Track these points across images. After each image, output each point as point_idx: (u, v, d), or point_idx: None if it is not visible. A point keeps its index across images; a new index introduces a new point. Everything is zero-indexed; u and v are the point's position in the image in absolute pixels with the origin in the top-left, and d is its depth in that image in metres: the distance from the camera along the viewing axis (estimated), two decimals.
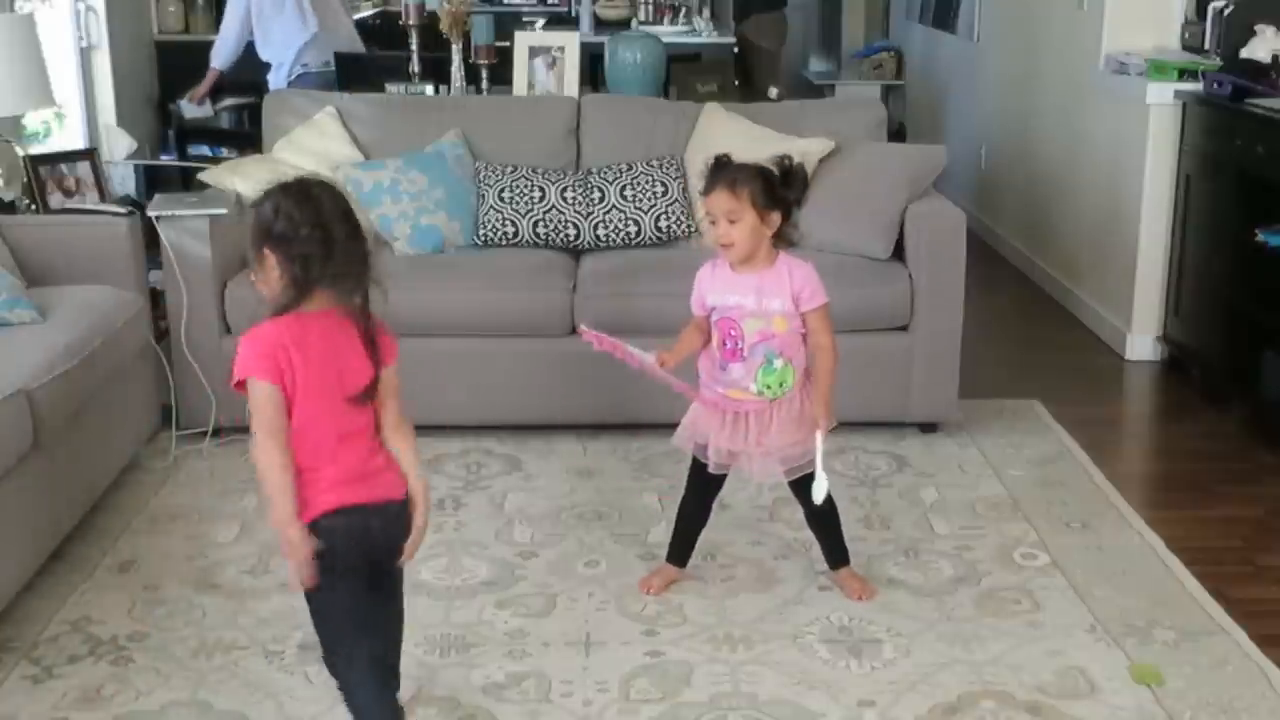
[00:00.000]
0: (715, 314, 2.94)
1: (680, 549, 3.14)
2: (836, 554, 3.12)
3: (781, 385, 2.91)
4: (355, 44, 6.30)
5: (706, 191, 2.88)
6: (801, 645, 2.88)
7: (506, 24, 6.25)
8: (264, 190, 2.28)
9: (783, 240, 2.91)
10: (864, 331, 3.90)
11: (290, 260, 2.19)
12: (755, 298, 2.88)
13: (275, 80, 5.96)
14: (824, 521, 3.09)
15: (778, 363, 2.90)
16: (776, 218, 2.86)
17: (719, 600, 3.08)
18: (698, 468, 3.04)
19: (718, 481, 3.05)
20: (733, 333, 2.90)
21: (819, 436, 2.89)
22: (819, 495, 2.93)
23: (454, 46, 5.28)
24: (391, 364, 2.37)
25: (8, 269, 3.53)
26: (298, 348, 2.20)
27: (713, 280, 2.94)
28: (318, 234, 2.19)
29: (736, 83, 6.82)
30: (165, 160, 6.22)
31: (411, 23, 5.33)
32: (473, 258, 4.20)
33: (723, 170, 2.86)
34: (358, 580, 2.26)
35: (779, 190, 2.84)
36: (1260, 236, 4.04)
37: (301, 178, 2.32)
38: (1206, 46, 4.78)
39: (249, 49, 6.11)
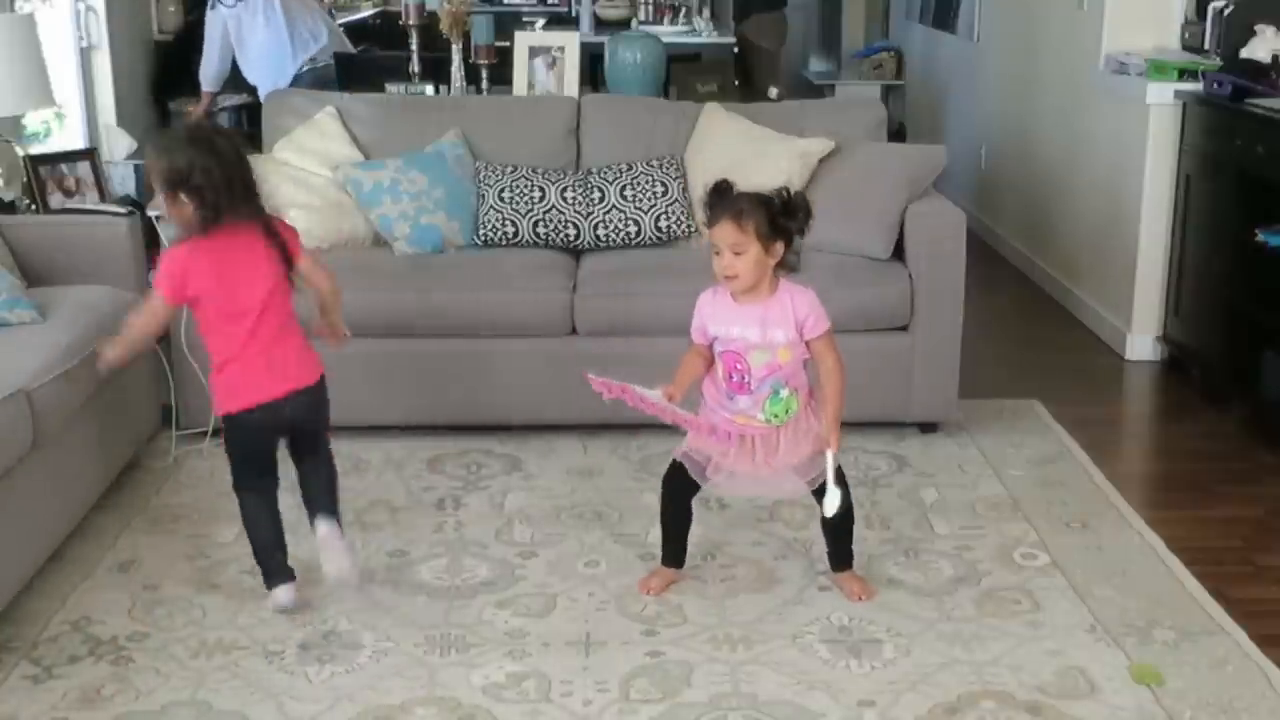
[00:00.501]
0: (718, 344, 2.94)
1: (673, 551, 3.14)
2: (842, 558, 3.13)
3: (787, 412, 2.94)
4: (344, 45, 6.30)
5: (711, 223, 2.86)
6: (801, 645, 2.88)
7: (506, 24, 6.25)
8: (166, 140, 2.92)
9: (784, 266, 2.91)
10: (864, 331, 3.90)
11: (203, 201, 2.74)
12: (759, 329, 2.89)
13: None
14: (840, 527, 3.09)
15: (784, 392, 2.92)
16: (780, 247, 2.86)
17: (719, 600, 3.08)
18: (674, 473, 3.04)
19: (697, 485, 3.05)
20: (739, 366, 2.91)
21: (829, 455, 2.91)
22: (830, 509, 2.95)
23: (454, 46, 5.28)
24: (303, 258, 2.96)
25: (8, 269, 3.53)
26: (209, 264, 2.79)
27: (714, 309, 2.93)
28: (224, 179, 2.75)
29: (736, 83, 6.83)
30: None
31: (411, 23, 5.33)
32: (473, 258, 4.20)
33: (726, 201, 2.84)
34: (261, 442, 2.98)
35: (782, 220, 2.84)
36: (1260, 236, 4.04)
37: (200, 130, 2.96)
38: (1206, 46, 4.78)
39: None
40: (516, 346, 3.98)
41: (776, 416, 2.93)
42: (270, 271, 2.86)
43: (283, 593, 3.01)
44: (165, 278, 2.82)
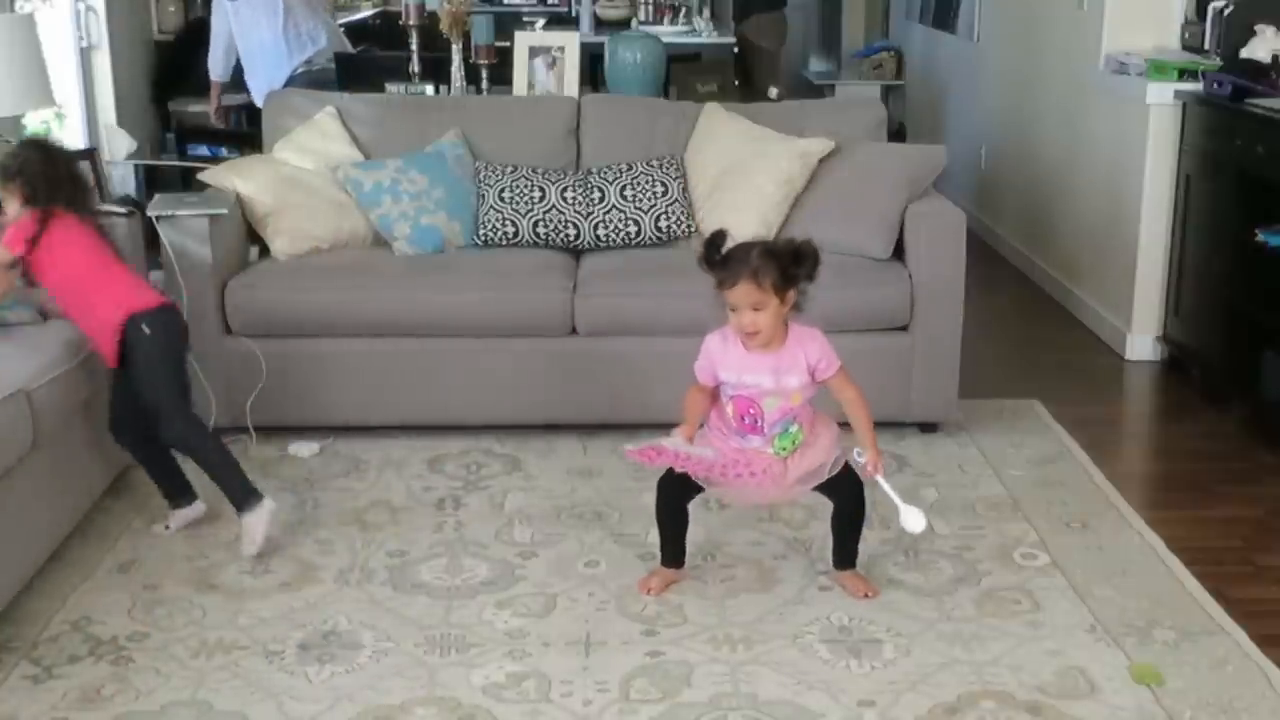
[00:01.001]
0: (729, 389, 2.96)
1: (672, 552, 3.14)
2: (847, 557, 3.13)
3: (794, 443, 2.97)
4: (343, 45, 6.29)
5: (727, 285, 2.85)
6: (801, 645, 2.88)
7: (506, 24, 6.25)
8: (15, 144, 3.42)
9: (794, 308, 2.91)
10: (864, 331, 3.91)
11: (27, 189, 3.17)
12: (773, 378, 2.90)
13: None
14: (851, 525, 3.09)
15: (793, 428, 2.96)
16: (793, 295, 2.87)
17: (719, 600, 3.08)
18: (671, 475, 3.04)
19: (696, 487, 3.05)
20: (751, 411, 2.93)
21: (882, 480, 2.97)
22: (917, 525, 3.00)
23: (454, 46, 5.28)
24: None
25: None
26: (59, 231, 3.17)
27: (725, 356, 2.94)
28: (48, 171, 3.19)
29: (736, 83, 6.82)
30: (165, 160, 6.21)
31: (411, 23, 5.32)
32: (473, 258, 4.20)
33: (734, 258, 2.84)
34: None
35: (793, 269, 2.84)
36: (1260, 236, 4.04)
37: (36, 138, 3.63)
38: (1206, 46, 4.77)
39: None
40: (516, 346, 3.98)
41: (785, 449, 2.96)
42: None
43: (268, 503, 3.27)
44: (15, 236, 3.16)
